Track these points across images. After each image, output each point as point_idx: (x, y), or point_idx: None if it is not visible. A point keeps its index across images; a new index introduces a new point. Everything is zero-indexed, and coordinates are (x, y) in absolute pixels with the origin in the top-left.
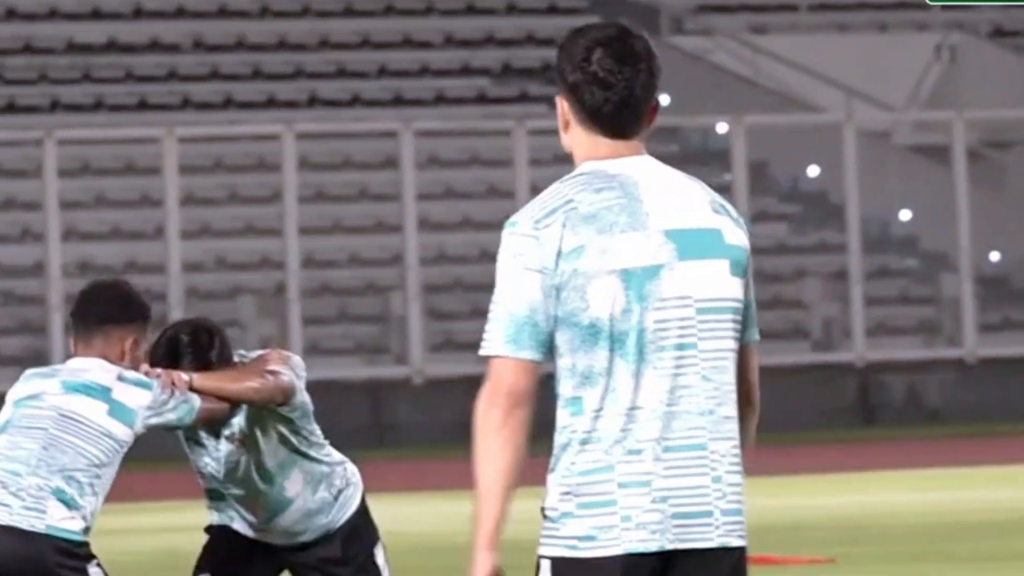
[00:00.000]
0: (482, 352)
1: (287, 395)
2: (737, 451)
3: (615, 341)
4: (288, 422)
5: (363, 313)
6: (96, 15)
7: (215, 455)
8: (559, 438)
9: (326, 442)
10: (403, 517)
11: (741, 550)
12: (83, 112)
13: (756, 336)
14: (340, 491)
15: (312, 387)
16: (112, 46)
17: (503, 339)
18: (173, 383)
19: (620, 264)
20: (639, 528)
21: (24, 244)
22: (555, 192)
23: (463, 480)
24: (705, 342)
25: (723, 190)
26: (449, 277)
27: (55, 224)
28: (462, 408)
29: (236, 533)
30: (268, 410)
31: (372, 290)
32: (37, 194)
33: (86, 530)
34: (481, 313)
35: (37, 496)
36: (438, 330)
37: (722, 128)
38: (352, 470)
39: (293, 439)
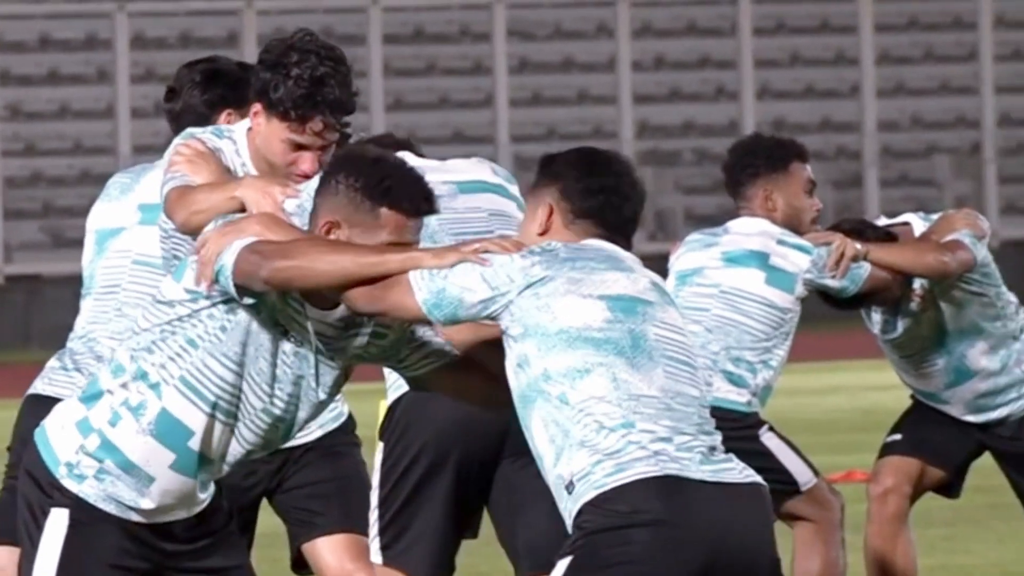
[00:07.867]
0: None
1: (966, 268)
2: None
3: None
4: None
5: None
6: None
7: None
8: None
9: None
10: None
11: None
12: None
13: None
14: None
15: None
16: None
17: None
18: (843, 253)
19: None
20: None
21: (718, 103)
22: None
23: None
24: None
25: None
26: None
27: (748, 82)
28: None
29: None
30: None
31: None
32: (732, 53)
33: (749, 403)
34: None
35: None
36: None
37: None
38: None
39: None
